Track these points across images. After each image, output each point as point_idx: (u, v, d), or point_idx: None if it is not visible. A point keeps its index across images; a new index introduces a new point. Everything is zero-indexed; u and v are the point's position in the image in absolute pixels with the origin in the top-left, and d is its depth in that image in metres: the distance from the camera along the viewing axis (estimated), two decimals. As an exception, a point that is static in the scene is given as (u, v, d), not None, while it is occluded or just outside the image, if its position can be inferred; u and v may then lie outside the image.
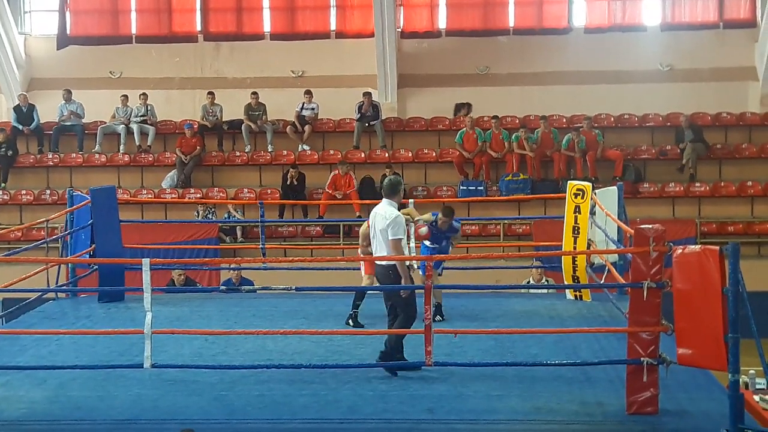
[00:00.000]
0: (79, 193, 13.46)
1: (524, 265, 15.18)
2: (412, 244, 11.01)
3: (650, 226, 8.03)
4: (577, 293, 12.56)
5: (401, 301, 9.07)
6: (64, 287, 12.90)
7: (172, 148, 21.69)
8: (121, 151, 21.75)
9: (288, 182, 20.26)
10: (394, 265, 9.03)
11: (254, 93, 21.73)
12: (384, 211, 9.18)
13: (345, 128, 22.14)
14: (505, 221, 19.35)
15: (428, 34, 22.76)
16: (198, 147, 21.26)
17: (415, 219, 11.14)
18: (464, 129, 21.07)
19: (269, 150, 21.69)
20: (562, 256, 12.47)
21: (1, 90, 22.94)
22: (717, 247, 7.58)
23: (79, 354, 9.83)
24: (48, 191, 21.07)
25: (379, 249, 9.20)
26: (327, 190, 20.17)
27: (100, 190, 13.04)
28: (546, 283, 14.57)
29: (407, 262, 9.22)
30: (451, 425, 7.87)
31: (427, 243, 11.21)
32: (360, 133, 21.67)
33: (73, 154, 21.69)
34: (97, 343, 10.08)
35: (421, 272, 9.36)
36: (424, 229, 10.87)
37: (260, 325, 11.10)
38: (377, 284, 9.72)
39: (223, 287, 13.62)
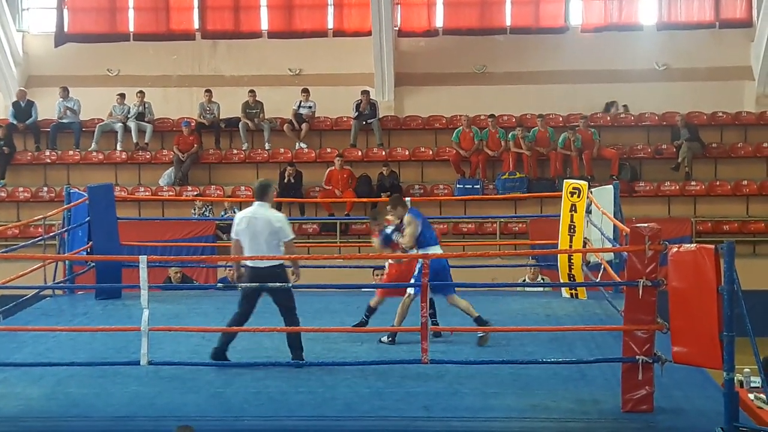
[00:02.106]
0: (77, 190, 13.47)
1: (520, 263, 15.20)
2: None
3: (646, 224, 8.06)
4: (573, 291, 12.60)
5: (284, 299, 9.25)
6: (62, 284, 12.90)
7: (169, 146, 21.70)
8: (118, 149, 21.75)
9: (285, 180, 20.28)
10: (281, 264, 9.19)
11: (251, 91, 21.74)
12: (269, 215, 9.30)
13: (342, 126, 22.16)
14: (502, 219, 19.37)
15: (425, 33, 22.78)
16: (195, 145, 21.27)
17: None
18: (461, 128, 21.10)
19: (266, 148, 21.70)
20: (558, 255, 12.51)
21: (-1, 87, 22.96)
22: (712, 246, 7.62)
23: (76, 351, 9.85)
24: (45, 188, 21.07)
25: (265, 250, 9.21)
26: (325, 187, 20.21)
27: (97, 188, 13.07)
28: (542, 281, 14.61)
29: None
30: (447, 423, 7.90)
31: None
32: (357, 131, 21.69)
33: (71, 152, 21.68)
34: (94, 340, 10.09)
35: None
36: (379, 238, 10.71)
37: (256, 322, 11.10)
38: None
39: (219, 284, 13.65)
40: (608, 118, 21.88)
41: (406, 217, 10.26)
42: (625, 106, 22.07)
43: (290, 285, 9.30)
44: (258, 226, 9.23)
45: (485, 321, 10.12)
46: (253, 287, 9.23)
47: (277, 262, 9.20)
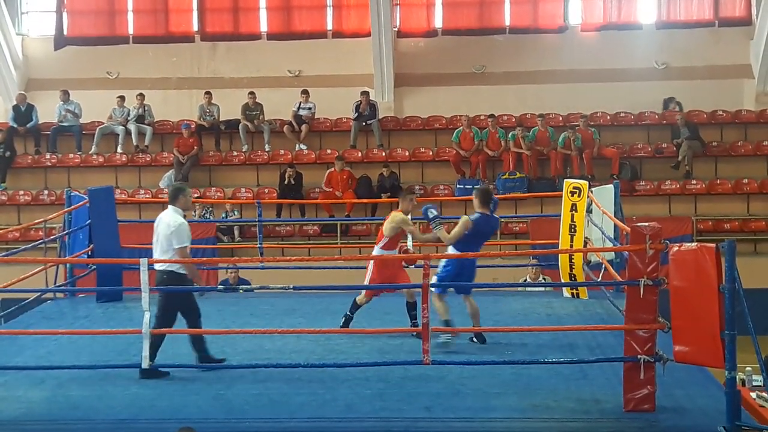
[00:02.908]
0: (77, 193, 13.48)
1: (521, 263, 15.20)
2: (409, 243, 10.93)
3: (646, 223, 8.06)
4: (574, 291, 12.60)
5: (160, 304, 9.24)
6: (63, 287, 12.91)
7: (169, 148, 21.71)
8: (118, 152, 21.77)
9: (285, 182, 20.29)
10: (171, 270, 9.16)
11: (251, 93, 21.74)
12: (168, 219, 9.32)
13: (342, 127, 22.16)
14: (502, 219, 19.30)
15: (425, 34, 22.78)
16: (195, 147, 21.28)
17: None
18: (461, 128, 21.10)
19: (266, 149, 21.70)
20: (559, 254, 12.50)
21: (-1, 91, 22.98)
22: (713, 245, 7.61)
23: (78, 354, 9.85)
24: (46, 191, 21.08)
25: (161, 255, 9.29)
26: (325, 188, 20.21)
27: (97, 191, 13.06)
28: (543, 281, 14.60)
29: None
30: (448, 423, 7.89)
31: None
32: (357, 132, 21.70)
33: (71, 155, 21.70)
34: (96, 342, 10.09)
35: None
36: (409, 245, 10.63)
37: (258, 324, 11.13)
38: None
39: (220, 287, 13.64)
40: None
41: (464, 217, 10.13)
42: (678, 102, 21.99)
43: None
44: (159, 230, 9.37)
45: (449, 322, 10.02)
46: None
47: (165, 268, 9.21)
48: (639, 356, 7.95)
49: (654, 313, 7.97)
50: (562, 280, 12.56)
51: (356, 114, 21.65)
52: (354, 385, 8.74)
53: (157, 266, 9.23)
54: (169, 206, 9.43)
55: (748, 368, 10.71)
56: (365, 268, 10.95)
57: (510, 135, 20.83)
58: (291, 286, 9.41)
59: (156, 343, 9.05)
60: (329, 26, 22.89)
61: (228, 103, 21.83)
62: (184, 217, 9.45)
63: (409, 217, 10.54)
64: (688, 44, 22.30)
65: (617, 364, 8.35)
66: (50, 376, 9.06)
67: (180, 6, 23.10)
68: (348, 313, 10.63)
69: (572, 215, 12.20)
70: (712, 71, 22.13)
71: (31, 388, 8.82)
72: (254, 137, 21.91)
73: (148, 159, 21.63)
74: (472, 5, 22.69)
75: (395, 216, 10.52)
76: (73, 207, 12.90)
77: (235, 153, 21.78)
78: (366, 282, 10.64)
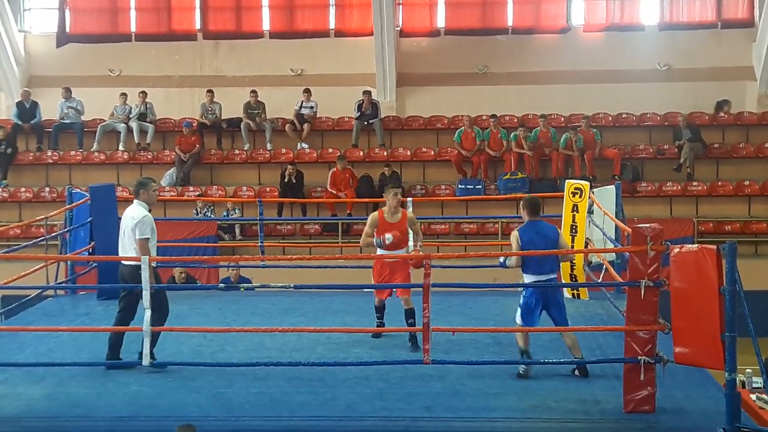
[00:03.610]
0: (79, 190, 13.47)
1: (522, 263, 15.16)
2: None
3: (648, 225, 8.07)
4: (575, 292, 12.59)
5: (124, 299, 9.35)
6: (63, 284, 12.91)
7: (171, 146, 21.71)
8: (120, 149, 21.78)
9: (286, 180, 20.29)
10: (132, 264, 9.16)
11: (253, 91, 21.74)
12: (133, 213, 9.39)
13: (344, 127, 22.17)
14: (503, 220, 19.35)
15: (427, 34, 22.78)
16: (197, 145, 21.28)
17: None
18: (462, 128, 21.10)
19: (268, 148, 21.70)
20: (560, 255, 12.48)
21: (1, 88, 22.95)
22: (714, 246, 7.62)
23: (78, 351, 9.86)
24: (47, 189, 21.08)
25: (128, 249, 9.34)
26: (330, 189, 20.21)
27: (99, 188, 13.07)
28: (544, 281, 14.56)
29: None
30: (448, 423, 7.90)
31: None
32: (359, 131, 21.70)
33: (73, 152, 21.69)
34: (96, 340, 10.07)
35: None
36: (389, 236, 10.11)
37: (258, 322, 11.13)
38: None
39: (221, 285, 13.64)
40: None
41: (513, 234, 9.38)
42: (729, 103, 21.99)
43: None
44: (124, 224, 9.46)
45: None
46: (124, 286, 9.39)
47: (128, 261, 9.30)
48: (639, 357, 7.96)
49: (654, 314, 7.97)
50: (563, 281, 12.55)
51: (358, 113, 21.65)
52: (354, 384, 8.75)
53: (130, 261, 9.25)
54: (134, 200, 9.54)
55: (748, 370, 10.72)
56: (366, 267, 10.93)
57: (512, 135, 20.83)
58: (292, 285, 9.41)
59: (119, 339, 9.23)
60: (332, 25, 22.88)
61: (230, 101, 21.83)
62: (150, 211, 9.52)
63: (395, 213, 10.25)
64: (690, 46, 22.30)
65: (617, 365, 8.36)
66: (51, 374, 9.07)
67: (183, 4, 23.10)
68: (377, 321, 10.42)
69: (573, 216, 12.21)
70: (714, 73, 22.13)
71: (31, 385, 8.83)
72: (256, 136, 21.91)
73: (149, 157, 21.63)
74: (475, 5, 22.68)
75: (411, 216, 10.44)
76: (74, 204, 12.90)
77: (236, 151, 21.78)
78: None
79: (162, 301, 9.25)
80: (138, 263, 8.89)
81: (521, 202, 9.58)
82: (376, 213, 10.38)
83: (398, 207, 10.34)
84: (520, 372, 8.96)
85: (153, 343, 8.97)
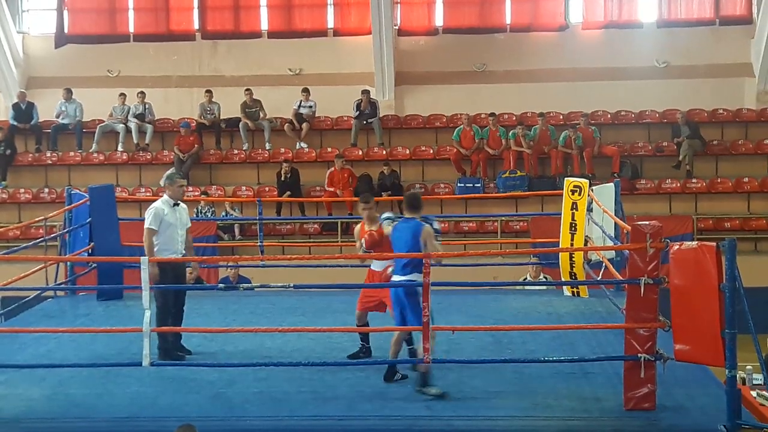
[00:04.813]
0: (78, 191, 13.46)
1: (521, 261, 15.19)
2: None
3: (647, 222, 8.06)
4: (575, 290, 12.60)
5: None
6: (63, 285, 12.91)
7: (170, 147, 21.70)
8: (119, 150, 21.78)
9: (282, 178, 20.29)
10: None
11: (248, 90, 21.69)
12: (154, 203, 9.81)
13: (342, 126, 22.17)
14: (503, 218, 19.38)
15: (425, 32, 22.77)
16: (196, 145, 21.28)
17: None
18: (461, 126, 21.10)
19: (267, 148, 21.70)
20: (560, 253, 12.50)
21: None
22: (714, 244, 7.62)
23: (78, 352, 9.85)
24: (46, 189, 21.08)
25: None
26: (327, 188, 20.20)
27: (98, 189, 13.06)
28: (543, 279, 14.59)
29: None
30: (449, 422, 7.90)
31: None
32: (357, 130, 21.69)
33: (72, 153, 21.69)
34: (96, 341, 10.09)
35: None
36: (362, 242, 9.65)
37: (258, 322, 11.13)
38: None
39: (221, 285, 13.64)
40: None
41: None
42: None
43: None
44: None
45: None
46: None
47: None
48: (639, 355, 7.96)
49: (654, 311, 7.97)
50: (563, 279, 12.56)
51: (357, 112, 21.65)
52: (355, 384, 8.75)
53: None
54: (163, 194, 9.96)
55: (748, 367, 10.71)
56: (366, 267, 10.88)
57: (511, 133, 20.83)
58: (291, 285, 9.40)
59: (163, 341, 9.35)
60: (330, 24, 22.88)
61: (228, 101, 21.82)
62: (177, 205, 9.76)
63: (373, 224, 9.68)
64: (688, 43, 22.29)
65: (618, 363, 8.35)
66: (51, 374, 9.07)
67: (181, 4, 23.11)
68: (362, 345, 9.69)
69: (573, 214, 12.20)
70: (712, 70, 22.12)
71: (31, 386, 8.83)
72: (255, 136, 21.91)
73: (148, 157, 21.63)
74: (473, 4, 22.67)
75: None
76: (73, 205, 12.90)
77: (235, 151, 21.78)
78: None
79: (171, 298, 9.57)
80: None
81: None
82: (358, 225, 10.06)
83: (373, 218, 9.70)
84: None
85: (161, 345, 9.25)
